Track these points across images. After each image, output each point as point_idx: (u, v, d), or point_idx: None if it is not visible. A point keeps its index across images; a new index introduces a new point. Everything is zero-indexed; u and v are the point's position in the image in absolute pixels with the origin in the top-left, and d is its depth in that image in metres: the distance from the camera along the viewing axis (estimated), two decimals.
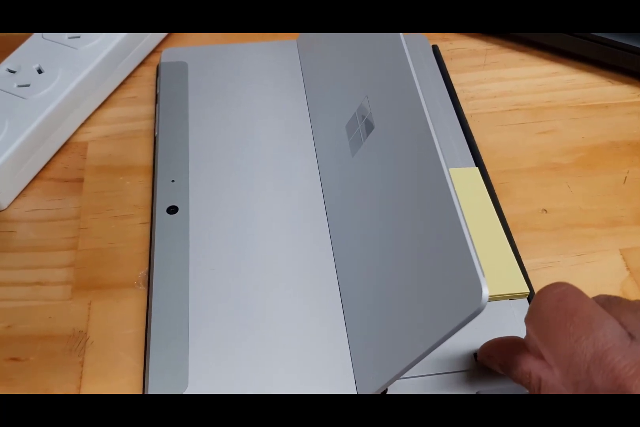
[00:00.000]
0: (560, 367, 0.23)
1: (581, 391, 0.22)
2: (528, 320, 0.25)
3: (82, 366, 0.32)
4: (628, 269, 0.37)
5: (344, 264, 0.33)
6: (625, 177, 0.41)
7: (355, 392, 0.29)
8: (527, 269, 0.35)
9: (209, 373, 0.30)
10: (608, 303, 0.24)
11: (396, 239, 0.28)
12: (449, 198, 0.25)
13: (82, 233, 0.37)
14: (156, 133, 0.40)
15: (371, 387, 0.28)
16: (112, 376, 0.31)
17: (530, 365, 0.26)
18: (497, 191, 0.39)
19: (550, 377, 0.25)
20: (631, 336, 0.22)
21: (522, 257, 0.36)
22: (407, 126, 0.29)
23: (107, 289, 0.35)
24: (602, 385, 0.21)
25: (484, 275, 0.22)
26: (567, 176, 0.41)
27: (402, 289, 0.27)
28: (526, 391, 0.29)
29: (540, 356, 0.26)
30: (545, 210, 0.39)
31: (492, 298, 0.33)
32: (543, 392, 0.25)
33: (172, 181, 0.37)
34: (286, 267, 0.34)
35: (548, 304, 0.24)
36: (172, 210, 0.36)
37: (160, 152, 0.39)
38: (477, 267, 0.22)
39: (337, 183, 0.36)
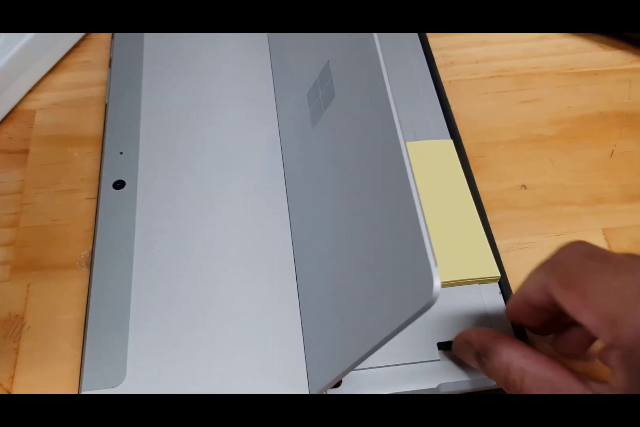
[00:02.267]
0: (592, 310, 0.21)
1: (623, 330, 0.20)
2: (550, 272, 0.23)
3: (17, 353, 0.30)
4: (610, 250, 0.34)
5: (302, 246, 0.31)
6: (613, 151, 0.38)
7: (307, 383, 0.27)
8: (501, 250, 0.33)
9: (149, 365, 0.27)
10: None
11: (351, 222, 0.26)
12: (405, 177, 0.22)
13: (24, 209, 0.34)
14: (107, 100, 0.37)
15: (323, 380, 0.26)
16: (48, 365, 0.29)
17: (511, 355, 0.24)
18: (474, 165, 0.36)
19: (535, 367, 0.23)
20: None
21: (496, 237, 0.33)
22: (366, 95, 0.26)
23: (48, 270, 0.32)
24: None
25: (436, 265, 0.20)
26: (550, 149, 0.38)
27: (355, 278, 0.25)
28: (491, 384, 0.27)
29: (538, 313, 0.24)
30: (524, 186, 0.36)
31: (461, 282, 0.30)
32: (525, 384, 0.23)
33: (121, 153, 0.34)
34: (240, 251, 0.31)
35: (576, 254, 0.23)
36: (119, 185, 0.33)
37: (109, 122, 0.36)
38: (429, 256, 0.20)
39: (298, 157, 0.33)
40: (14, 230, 0.34)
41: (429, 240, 0.20)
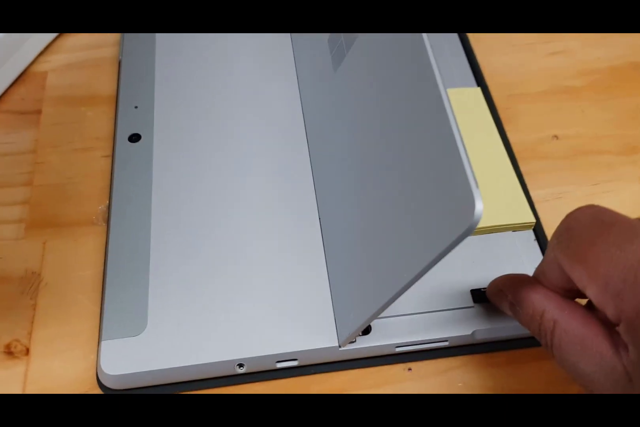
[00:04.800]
0: (597, 282, 0.19)
1: (626, 302, 0.18)
2: (557, 243, 0.21)
3: (34, 309, 0.29)
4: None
5: (325, 191, 0.30)
6: None
7: (335, 330, 0.26)
8: (535, 201, 0.31)
9: (170, 315, 0.26)
10: None
11: (381, 156, 0.24)
12: (440, 103, 0.20)
13: (38, 168, 0.33)
14: (120, 57, 0.36)
15: (352, 326, 0.24)
16: (66, 320, 0.28)
17: (545, 304, 0.22)
18: (502, 117, 0.34)
19: (567, 320, 0.21)
20: None
21: (530, 187, 0.32)
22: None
23: (64, 227, 0.31)
24: None
25: (477, 187, 0.18)
26: (581, 100, 0.37)
27: (384, 211, 0.23)
28: (527, 332, 0.25)
29: (561, 291, 0.22)
30: (556, 136, 0.35)
31: (495, 229, 0.29)
32: (556, 337, 0.21)
33: (135, 107, 0.33)
34: (261, 199, 0.30)
35: (582, 222, 0.21)
36: (135, 138, 0.32)
37: (123, 77, 0.35)
38: (470, 178, 0.18)
39: (319, 104, 0.32)
40: (28, 189, 0.33)
41: (469, 161, 0.19)
